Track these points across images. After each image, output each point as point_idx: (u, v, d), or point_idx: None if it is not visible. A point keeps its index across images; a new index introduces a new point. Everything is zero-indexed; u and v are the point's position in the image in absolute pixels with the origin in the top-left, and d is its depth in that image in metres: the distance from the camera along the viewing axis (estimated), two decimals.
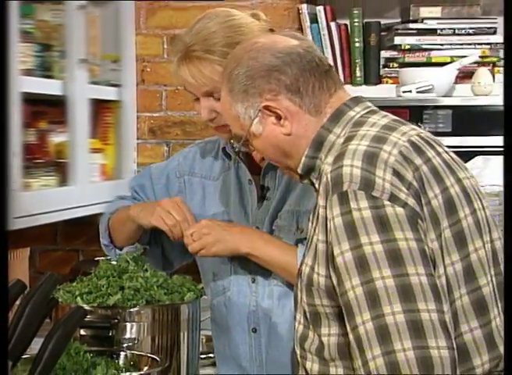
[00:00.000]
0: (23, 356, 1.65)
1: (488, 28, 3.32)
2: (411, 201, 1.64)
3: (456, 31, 3.32)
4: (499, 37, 3.30)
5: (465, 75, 3.23)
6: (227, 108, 1.85)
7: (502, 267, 1.76)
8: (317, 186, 1.80)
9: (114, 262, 2.28)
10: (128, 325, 2.12)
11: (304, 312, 1.76)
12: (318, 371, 1.74)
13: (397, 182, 1.65)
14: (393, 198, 1.63)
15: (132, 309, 2.12)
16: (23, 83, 2.45)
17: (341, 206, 1.63)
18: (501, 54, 3.29)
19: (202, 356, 2.49)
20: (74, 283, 2.19)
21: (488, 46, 3.29)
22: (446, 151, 1.78)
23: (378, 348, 1.59)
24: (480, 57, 3.26)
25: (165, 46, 3.27)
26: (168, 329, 2.16)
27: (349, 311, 1.63)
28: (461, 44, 3.31)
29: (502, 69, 3.26)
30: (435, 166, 1.71)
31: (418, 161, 1.69)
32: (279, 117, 1.79)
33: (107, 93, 3.07)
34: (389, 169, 1.65)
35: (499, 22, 3.32)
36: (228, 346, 2.27)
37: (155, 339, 2.14)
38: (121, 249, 2.34)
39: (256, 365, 2.22)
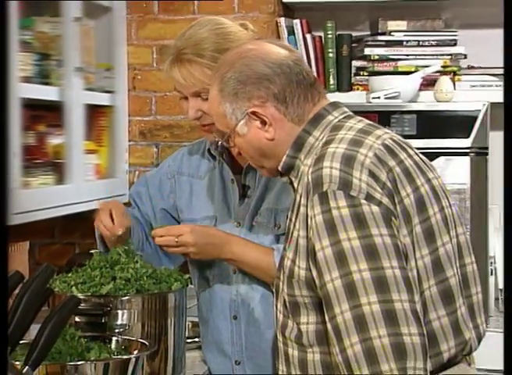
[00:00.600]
0: (21, 341, 1.66)
1: (450, 40, 3.33)
2: (385, 200, 1.65)
3: (421, 43, 3.33)
4: (459, 48, 3.32)
5: (428, 83, 3.24)
6: (215, 106, 1.84)
7: (466, 259, 1.78)
8: (295, 184, 1.81)
9: (107, 255, 2.29)
10: (119, 312, 2.13)
11: (284, 302, 1.76)
12: (298, 357, 1.75)
13: (373, 182, 1.66)
14: (369, 197, 1.64)
15: (123, 298, 2.13)
16: (22, 90, 2.44)
17: (321, 205, 1.64)
18: (461, 63, 3.32)
19: (188, 340, 2.49)
20: (70, 274, 2.20)
21: (450, 56, 3.30)
22: (416, 153, 1.80)
23: (356, 335, 1.59)
24: (442, 66, 3.27)
25: (155, 56, 3.26)
26: (156, 316, 2.17)
27: (328, 302, 1.63)
28: (425, 55, 3.32)
29: (462, 77, 3.30)
30: (406, 167, 1.73)
31: (392, 163, 1.70)
32: (263, 122, 1.79)
33: (101, 99, 3.06)
34: (365, 171, 1.66)
35: (460, 34, 3.34)
36: (212, 332, 2.28)
37: (145, 325, 2.16)
38: None
39: (236, 349, 2.22)
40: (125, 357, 1.97)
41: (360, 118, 1.84)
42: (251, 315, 2.19)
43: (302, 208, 1.69)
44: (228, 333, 2.22)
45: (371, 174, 1.66)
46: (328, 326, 1.64)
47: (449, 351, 1.71)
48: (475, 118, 3.03)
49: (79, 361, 1.90)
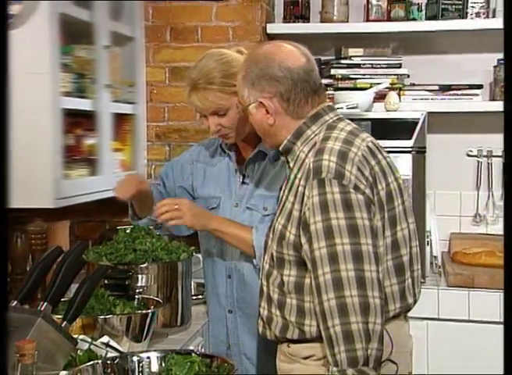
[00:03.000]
0: (62, 299, 1.63)
1: (396, 64, 3.29)
2: (368, 191, 1.66)
3: (374, 65, 3.29)
4: (403, 70, 3.28)
5: (380, 96, 3.20)
6: (239, 85, 1.83)
7: (413, 243, 1.80)
8: (291, 164, 1.80)
9: (129, 231, 2.26)
10: (139, 277, 2.11)
11: (272, 256, 1.76)
12: (278, 299, 1.75)
13: (359, 176, 1.67)
14: (356, 188, 1.65)
15: (142, 265, 2.12)
16: (64, 102, 2.40)
17: (319, 189, 1.64)
18: (405, 81, 3.29)
19: (193, 297, 2.46)
20: (100, 247, 2.18)
21: (396, 76, 3.26)
22: (388, 156, 1.80)
23: (333, 293, 1.61)
24: (390, 84, 3.23)
25: (167, 75, 3.22)
26: (168, 279, 2.16)
27: (313, 264, 1.65)
28: (377, 75, 3.28)
29: (405, 92, 3.26)
30: (382, 167, 1.74)
31: (372, 162, 1.71)
32: (267, 111, 1.78)
33: (125, 108, 3.01)
34: (354, 166, 1.67)
35: (404, 59, 3.30)
36: (212, 287, 2.25)
37: (159, 286, 2.14)
38: (140, 219, 2.30)
39: (229, 301, 2.20)
40: (144, 312, 1.95)
41: (348, 121, 1.82)
42: (241, 276, 2.16)
43: (300, 188, 1.69)
44: (224, 288, 2.20)
45: (359, 169, 1.67)
46: (312, 283, 1.65)
47: (395, 310, 1.74)
48: (416, 124, 3.00)
49: (108, 315, 1.89)
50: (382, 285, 1.66)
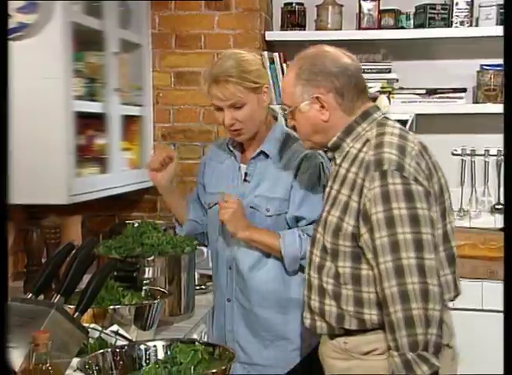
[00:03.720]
0: (76, 290, 1.62)
1: (386, 69, 3.26)
2: (425, 183, 1.64)
3: (365, 70, 3.25)
4: (393, 75, 3.26)
5: (372, 99, 3.17)
6: (289, 85, 1.75)
7: (452, 242, 1.75)
8: (338, 160, 1.75)
9: (136, 226, 2.25)
10: (146, 269, 2.09)
11: (324, 249, 1.71)
12: (333, 290, 1.70)
13: (418, 168, 1.64)
14: (416, 179, 1.62)
15: (149, 258, 2.10)
16: (76, 105, 2.39)
17: (381, 180, 1.60)
18: (394, 85, 3.27)
19: (197, 288, 2.45)
20: (110, 241, 2.16)
21: (386, 80, 3.24)
22: (433, 155, 1.77)
23: (394, 280, 1.58)
24: (381, 88, 3.21)
25: (173, 79, 3.20)
26: (173, 271, 2.14)
27: (375, 253, 1.61)
28: (368, 79, 3.19)
29: (395, 95, 3.24)
30: (433, 163, 1.72)
31: (426, 157, 1.70)
32: (322, 107, 1.72)
33: (133, 111, 3.00)
34: (413, 159, 1.64)
35: (393, 64, 3.28)
36: (216, 277, 2.23)
37: (165, 278, 2.12)
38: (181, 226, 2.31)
39: (228, 290, 2.16)
40: (151, 302, 1.94)
41: (393, 120, 1.79)
42: (240, 269, 2.12)
43: (359, 181, 1.64)
44: (224, 278, 2.17)
45: (416, 162, 1.64)
46: (375, 270, 1.62)
47: (449, 299, 1.72)
48: (405, 125, 2.98)
49: (117, 305, 1.88)
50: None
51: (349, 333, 1.70)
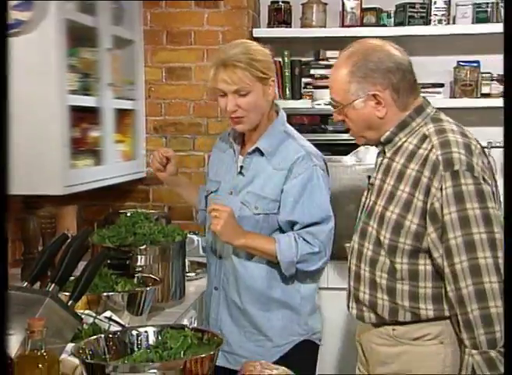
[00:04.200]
0: (71, 278, 1.60)
1: None
2: (490, 183, 1.58)
3: None
4: None
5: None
6: (342, 83, 1.64)
7: None
8: (388, 154, 1.67)
9: (129, 216, 2.24)
10: (139, 257, 2.08)
11: (379, 243, 1.64)
12: (386, 284, 1.64)
13: (484, 168, 1.59)
14: (484, 179, 1.57)
15: (141, 247, 2.09)
16: (70, 99, 2.36)
17: (453, 181, 1.54)
18: None
19: (187, 275, 2.44)
20: (104, 230, 2.15)
21: None
22: None
23: (470, 280, 1.53)
24: None
25: (164, 74, 3.18)
26: (164, 259, 2.13)
27: (449, 252, 1.55)
28: None
29: None
30: (489, 163, 1.66)
31: (486, 155, 1.64)
32: (379, 103, 1.63)
33: (126, 104, 2.97)
34: (479, 159, 1.59)
35: None
36: (208, 265, 2.19)
37: (156, 266, 2.11)
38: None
39: (216, 279, 2.11)
40: (143, 289, 1.93)
41: (441, 114, 1.71)
42: (229, 260, 2.07)
43: (424, 179, 1.56)
44: (214, 267, 2.14)
45: (482, 162, 1.60)
46: (447, 269, 1.55)
47: None
48: None
49: (110, 292, 1.87)
50: None
51: (399, 323, 1.65)
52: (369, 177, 1.77)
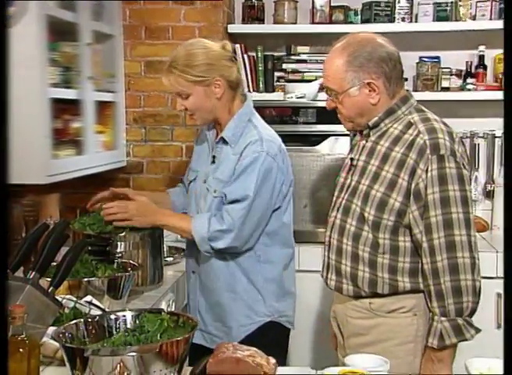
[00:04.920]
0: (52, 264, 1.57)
1: None
2: (467, 168, 1.64)
3: (318, 61, 3.23)
4: None
5: (323, 87, 3.15)
6: (338, 72, 1.66)
7: None
8: (373, 138, 1.71)
9: None
10: (118, 244, 2.06)
11: (363, 219, 1.67)
12: (368, 258, 1.67)
13: (463, 154, 1.65)
14: (464, 164, 1.63)
15: (120, 234, 2.05)
16: (52, 92, 2.31)
17: (438, 164, 1.59)
18: None
19: (166, 260, 2.42)
20: (84, 218, 2.10)
21: None
22: None
23: (446, 254, 1.59)
24: None
25: (143, 68, 3.12)
26: (142, 245, 2.10)
27: (429, 229, 1.60)
28: (321, 69, 3.19)
29: None
30: (466, 151, 1.70)
31: (462, 144, 1.69)
32: (372, 91, 1.67)
33: (106, 97, 2.91)
34: (460, 146, 1.65)
35: None
36: (186, 250, 2.18)
37: (135, 252, 2.08)
38: None
39: (194, 264, 2.09)
40: (122, 274, 1.90)
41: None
42: None
43: (410, 161, 1.61)
44: (191, 251, 2.11)
45: (461, 149, 1.64)
46: (425, 244, 1.61)
47: None
48: None
49: (91, 277, 1.84)
50: None
51: (376, 295, 1.68)
52: (352, 159, 1.78)
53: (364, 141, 1.74)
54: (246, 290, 2.00)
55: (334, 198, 1.79)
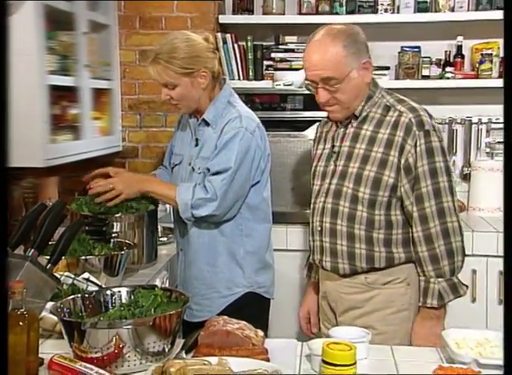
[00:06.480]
0: (50, 243, 1.55)
1: None
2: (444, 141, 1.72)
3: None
4: None
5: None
6: (337, 59, 1.64)
7: None
8: (355, 124, 1.71)
9: None
10: (114, 224, 2.03)
11: (355, 200, 1.67)
12: (365, 236, 1.68)
13: (439, 128, 1.70)
14: (441, 138, 1.68)
15: (116, 215, 2.03)
16: (50, 79, 2.28)
17: (425, 138, 1.63)
18: None
19: (160, 239, 2.41)
20: (81, 199, 2.07)
21: None
22: None
23: (438, 220, 1.63)
24: None
25: (137, 56, 3.09)
26: (137, 226, 2.08)
27: (419, 199, 1.64)
28: None
29: None
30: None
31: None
32: (367, 69, 1.67)
33: (102, 84, 2.88)
34: (435, 121, 1.69)
35: None
36: (175, 230, 2.17)
37: (130, 232, 2.06)
38: None
39: (181, 242, 2.10)
40: (118, 252, 1.88)
41: None
42: (190, 225, 2.02)
43: (399, 139, 1.64)
44: (178, 230, 2.11)
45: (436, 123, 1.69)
46: (416, 214, 1.64)
47: None
48: None
49: (88, 255, 1.83)
50: None
51: (372, 270, 1.70)
52: (333, 146, 1.77)
53: (343, 129, 1.75)
54: (225, 263, 2.00)
55: (316, 186, 1.78)
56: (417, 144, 1.63)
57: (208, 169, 1.95)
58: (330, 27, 1.72)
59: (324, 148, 1.81)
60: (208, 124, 2.01)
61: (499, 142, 3.17)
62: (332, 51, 1.64)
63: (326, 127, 1.85)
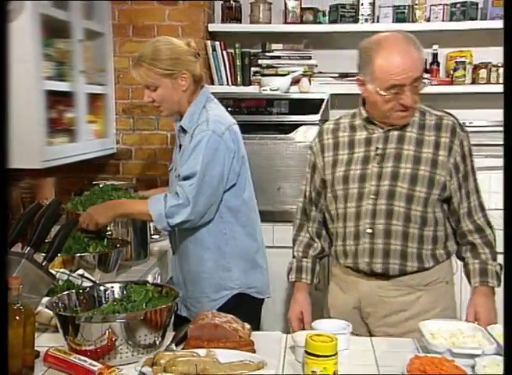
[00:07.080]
0: (46, 241, 1.54)
1: (307, 56, 3.21)
2: None
3: (291, 57, 3.22)
4: (312, 61, 3.21)
5: (295, 81, 3.13)
6: (419, 59, 1.61)
7: None
8: (398, 127, 1.67)
9: (101, 186, 2.17)
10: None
11: (410, 200, 1.62)
12: (418, 234, 1.65)
13: None
14: None
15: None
16: (47, 85, 2.28)
17: (467, 139, 1.69)
18: (314, 70, 3.23)
19: (152, 237, 2.39)
20: (77, 198, 2.07)
21: (307, 66, 3.18)
22: None
23: (480, 213, 1.70)
24: (303, 72, 3.16)
25: (130, 63, 3.04)
26: (131, 223, 2.08)
27: (468, 195, 1.69)
28: (293, 65, 3.21)
29: (314, 78, 3.21)
30: None
31: None
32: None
33: (97, 89, 2.87)
34: None
35: (313, 52, 3.23)
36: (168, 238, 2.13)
37: (124, 229, 2.07)
38: None
39: (176, 238, 2.02)
40: (112, 249, 1.89)
41: None
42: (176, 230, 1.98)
43: (446, 140, 1.66)
44: (171, 238, 2.05)
45: None
46: (464, 209, 1.69)
47: None
48: (322, 102, 2.96)
49: (83, 252, 1.82)
50: None
51: (420, 270, 1.66)
52: (377, 149, 1.67)
53: (384, 132, 1.67)
54: (212, 268, 1.94)
55: (354, 189, 1.66)
56: (464, 144, 1.67)
57: (179, 175, 1.89)
58: (395, 33, 1.64)
59: (353, 152, 1.69)
60: (185, 131, 1.95)
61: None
62: (412, 54, 1.59)
63: (336, 133, 1.74)
